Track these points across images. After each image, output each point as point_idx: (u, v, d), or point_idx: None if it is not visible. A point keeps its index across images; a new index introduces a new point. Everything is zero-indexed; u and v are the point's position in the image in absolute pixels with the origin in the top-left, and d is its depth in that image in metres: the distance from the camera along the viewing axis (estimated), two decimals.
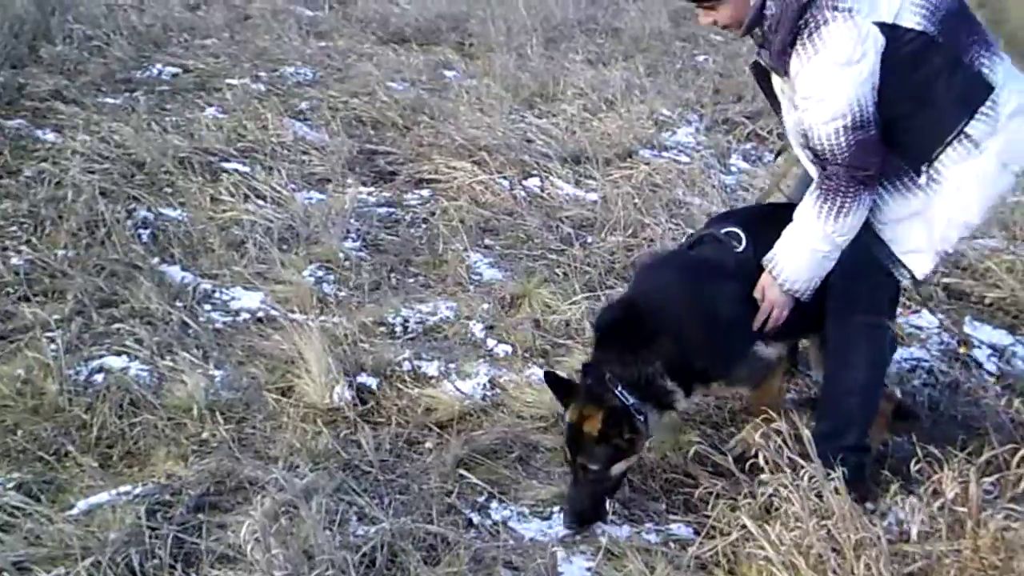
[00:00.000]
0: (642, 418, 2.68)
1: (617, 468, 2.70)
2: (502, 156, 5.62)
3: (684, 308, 2.75)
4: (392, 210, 5.18)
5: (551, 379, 2.83)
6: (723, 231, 2.83)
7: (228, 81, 7.14)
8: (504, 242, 4.80)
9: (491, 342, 3.76)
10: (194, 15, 9.27)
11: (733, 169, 6.12)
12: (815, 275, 2.65)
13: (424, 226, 4.98)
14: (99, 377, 3.38)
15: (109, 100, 6.54)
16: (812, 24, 2.40)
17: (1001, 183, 2.55)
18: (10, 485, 2.80)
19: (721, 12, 2.56)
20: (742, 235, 2.79)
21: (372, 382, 3.41)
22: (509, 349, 3.71)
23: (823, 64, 2.41)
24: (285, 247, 4.50)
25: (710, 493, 2.71)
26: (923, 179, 2.53)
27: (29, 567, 2.43)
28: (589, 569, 2.62)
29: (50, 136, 5.71)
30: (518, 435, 3.18)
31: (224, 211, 4.87)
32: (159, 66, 7.39)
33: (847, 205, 2.52)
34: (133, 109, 6.12)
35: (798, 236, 2.63)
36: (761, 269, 2.71)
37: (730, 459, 2.79)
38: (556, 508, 2.86)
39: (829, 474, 2.45)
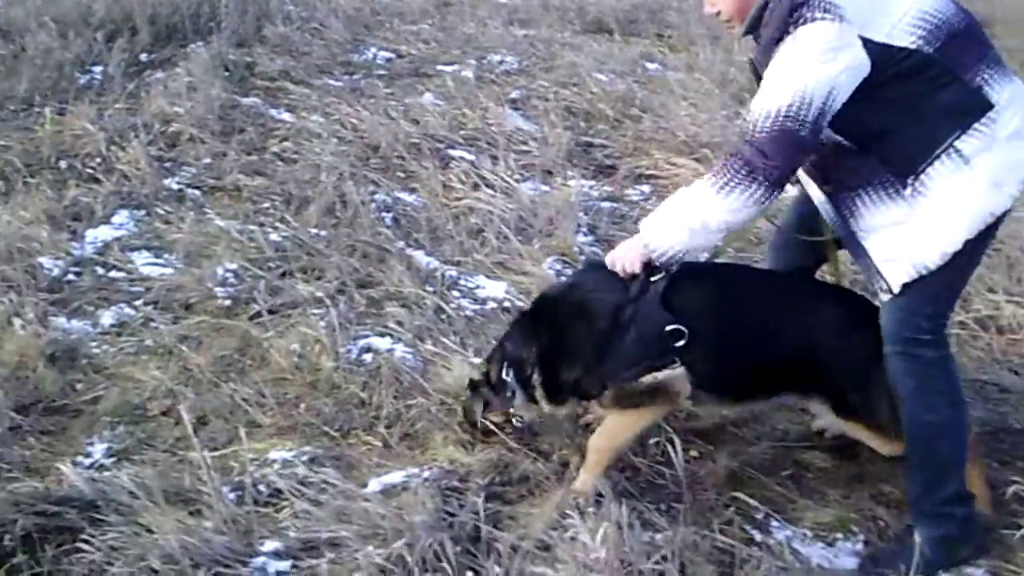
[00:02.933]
0: (509, 394, 2.86)
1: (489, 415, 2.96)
2: (725, 154, 5.50)
3: (566, 321, 2.80)
4: (615, 205, 5.16)
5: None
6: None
7: (440, 67, 7.28)
8: (736, 244, 4.71)
9: None
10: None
11: None
12: (674, 240, 2.57)
13: None
14: (368, 357, 3.50)
15: (332, 82, 6.77)
16: (800, 21, 2.35)
17: (990, 202, 2.41)
18: (304, 458, 2.93)
19: (723, 2, 2.53)
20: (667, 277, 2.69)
21: None
22: None
23: (792, 51, 2.36)
24: (520, 238, 4.54)
25: None
26: (908, 190, 2.43)
27: (340, 544, 2.53)
28: None
29: (285, 116, 5.96)
30: (787, 451, 3.11)
31: (457, 199, 4.96)
32: (374, 50, 7.60)
33: (730, 187, 2.43)
34: (360, 92, 6.30)
35: (679, 196, 2.60)
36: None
37: None
38: (840, 534, 2.78)
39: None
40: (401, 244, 4.41)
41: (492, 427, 2.97)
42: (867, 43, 2.34)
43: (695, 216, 2.53)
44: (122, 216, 4.43)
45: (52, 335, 3.44)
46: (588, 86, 6.79)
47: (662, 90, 6.85)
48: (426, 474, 2.85)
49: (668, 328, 2.64)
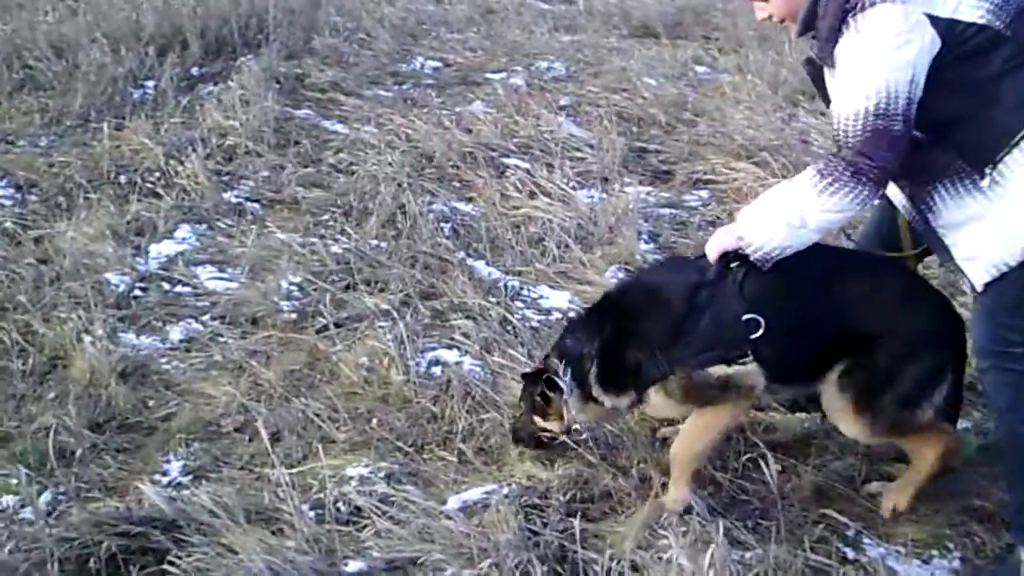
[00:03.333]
0: (563, 392, 2.79)
1: (538, 420, 2.92)
2: (783, 157, 5.42)
3: (635, 306, 2.78)
4: (675, 211, 5.09)
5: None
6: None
7: (487, 75, 7.26)
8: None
9: None
10: (439, 8, 9.51)
11: None
12: (771, 235, 2.50)
13: (712, 229, 4.85)
14: (437, 370, 3.47)
15: (382, 92, 6.78)
16: (860, 7, 2.27)
17: None
18: (381, 475, 2.89)
19: (774, 4, 2.47)
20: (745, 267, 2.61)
21: None
22: None
23: (861, 44, 2.28)
24: (581, 247, 4.49)
25: None
26: (986, 182, 2.32)
27: (425, 563, 2.49)
28: None
29: (338, 127, 5.96)
30: (872, 464, 3.02)
31: (514, 207, 4.92)
32: (421, 59, 7.60)
33: (836, 187, 2.37)
34: (413, 102, 6.29)
35: (778, 191, 2.55)
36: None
37: None
38: (935, 551, 2.69)
39: None
40: (462, 255, 4.38)
41: (569, 442, 2.91)
42: (933, 20, 2.26)
43: (795, 214, 2.46)
44: (184, 230, 4.44)
45: (122, 351, 3.44)
46: (639, 91, 6.74)
47: (714, 93, 6.78)
48: (505, 491, 2.80)
49: (745, 317, 2.57)
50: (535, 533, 2.59)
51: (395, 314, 3.66)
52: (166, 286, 3.98)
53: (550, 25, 8.69)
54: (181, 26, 7.37)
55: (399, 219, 4.62)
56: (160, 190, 4.79)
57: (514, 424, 3.04)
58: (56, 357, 3.44)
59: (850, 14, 2.30)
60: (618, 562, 2.43)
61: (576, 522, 2.59)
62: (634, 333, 2.73)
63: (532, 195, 5.03)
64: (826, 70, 2.51)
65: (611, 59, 7.67)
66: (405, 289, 3.95)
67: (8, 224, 4.32)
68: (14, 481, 2.77)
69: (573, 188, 5.14)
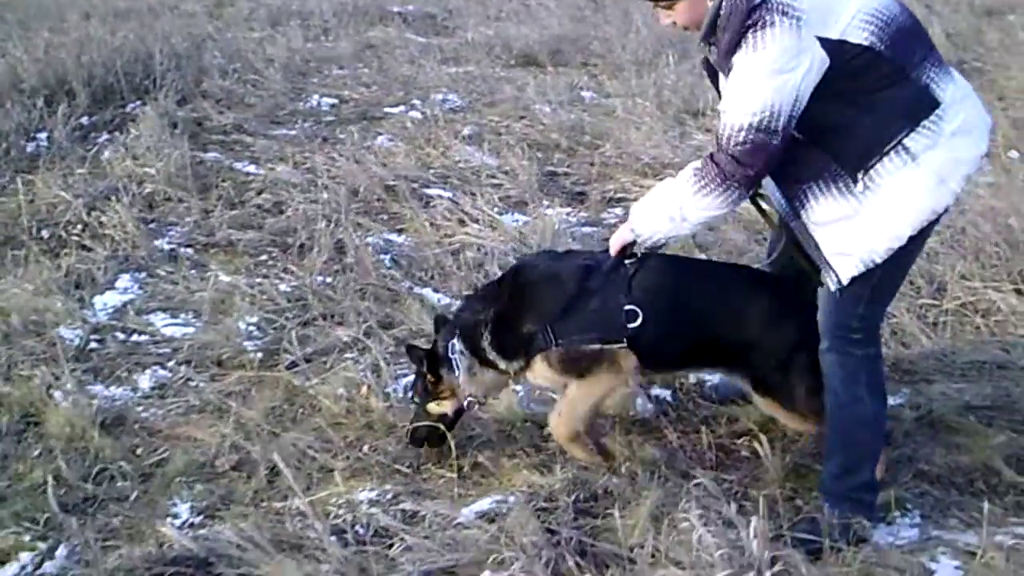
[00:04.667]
0: (453, 366, 3.07)
1: (432, 407, 3.15)
2: None
3: (533, 282, 3.06)
4: (596, 229, 5.36)
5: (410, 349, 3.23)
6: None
7: (386, 109, 7.41)
8: (717, 257, 4.97)
9: None
10: (319, 45, 9.60)
11: None
12: (656, 228, 2.77)
13: None
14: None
15: (286, 131, 6.83)
16: (759, 24, 2.41)
17: (935, 198, 2.52)
18: (388, 496, 3.00)
19: (679, 12, 2.61)
20: (637, 261, 2.96)
21: None
22: None
23: (754, 61, 2.43)
24: None
25: None
26: (859, 186, 2.53)
27: (458, 572, 2.62)
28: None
29: (251, 168, 5.99)
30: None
31: (446, 235, 5.08)
32: (316, 97, 7.68)
33: (710, 189, 2.58)
34: (322, 139, 6.37)
35: (663, 187, 2.77)
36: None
37: None
38: (897, 513, 2.96)
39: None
40: (407, 284, 4.50)
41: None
42: (824, 41, 2.41)
43: (675, 210, 2.68)
44: (125, 280, 4.40)
45: (97, 403, 3.40)
46: (538, 118, 7.03)
47: (607, 117, 7.12)
48: (512, 498, 2.95)
49: (626, 308, 2.89)
50: (553, 532, 2.75)
51: (366, 342, 3.75)
52: (121, 336, 3.94)
53: (436, 58, 8.91)
54: (65, 76, 7.21)
55: (337, 254, 4.70)
56: (88, 242, 4.71)
57: (411, 424, 3.22)
58: (27, 415, 3.38)
59: (750, 29, 2.43)
60: (639, 549, 2.62)
61: (580, 520, 2.78)
62: (530, 305, 3.02)
63: (461, 222, 5.20)
64: (721, 76, 2.70)
65: (502, 88, 7.95)
66: (364, 320, 4.04)
67: None
68: (26, 539, 2.73)
69: (498, 213, 5.35)
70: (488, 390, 3.22)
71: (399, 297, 4.32)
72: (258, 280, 4.40)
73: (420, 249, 4.90)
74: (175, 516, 2.92)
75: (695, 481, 2.80)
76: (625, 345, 2.91)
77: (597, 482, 3.04)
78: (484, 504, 2.95)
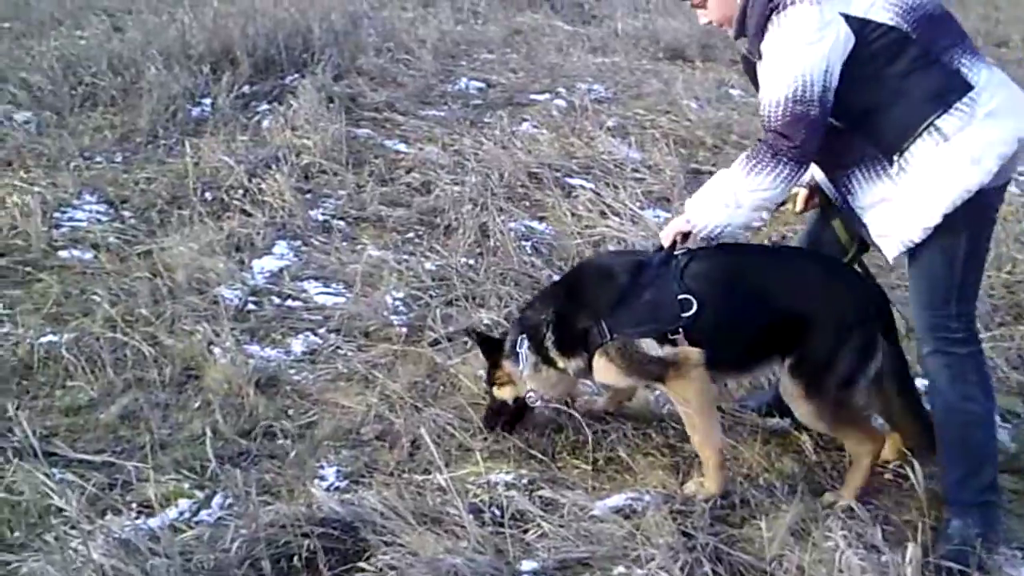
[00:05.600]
0: (519, 360, 3.11)
1: (501, 392, 3.22)
2: None
3: (588, 280, 3.13)
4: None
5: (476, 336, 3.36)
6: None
7: (532, 96, 7.45)
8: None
9: None
10: (467, 28, 9.72)
11: None
12: (712, 216, 2.81)
13: None
14: None
15: (434, 112, 6.96)
16: (780, 6, 2.55)
17: (968, 178, 2.53)
18: (523, 481, 3.05)
19: (711, 9, 2.77)
20: (689, 253, 2.95)
21: None
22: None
23: (782, 39, 2.56)
24: None
25: None
26: (894, 168, 2.60)
27: (592, 564, 2.65)
28: None
29: (401, 146, 6.13)
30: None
31: (587, 227, 5.11)
32: (464, 80, 7.78)
33: (760, 166, 2.65)
34: (470, 122, 6.47)
35: (717, 177, 2.83)
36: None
37: None
38: None
39: None
40: (548, 272, 4.54)
41: None
42: (847, 18, 2.54)
43: (730, 195, 2.75)
44: (282, 247, 4.59)
45: (252, 363, 3.57)
46: (684, 113, 6.96)
47: (755, 116, 6.96)
48: (647, 497, 2.96)
49: (680, 297, 2.87)
50: (689, 536, 2.75)
51: (506, 326, 3.80)
52: (277, 300, 4.12)
53: (584, 47, 8.91)
54: (230, 45, 7.51)
55: (481, 237, 4.78)
56: (248, 207, 4.92)
57: (487, 408, 3.31)
58: (188, 368, 3.57)
59: (774, 12, 2.58)
60: (776, 562, 2.60)
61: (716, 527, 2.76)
62: (585, 302, 3.04)
63: (603, 215, 5.22)
64: (757, 64, 2.75)
65: (649, 81, 7.90)
66: (505, 305, 4.11)
67: (112, 239, 4.45)
68: (185, 486, 2.91)
69: (640, 208, 5.33)
70: (554, 389, 3.23)
71: (539, 284, 4.36)
72: (405, 257, 4.52)
73: (561, 238, 4.94)
74: (323, 479, 3.04)
75: (842, 502, 2.74)
76: (683, 336, 2.89)
77: (735, 491, 3.01)
78: (619, 500, 2.97)
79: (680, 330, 2.89)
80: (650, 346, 2.93)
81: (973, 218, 2.63)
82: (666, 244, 2.98)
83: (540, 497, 2.91)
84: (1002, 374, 3.82)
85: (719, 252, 2.98)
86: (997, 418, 3.10)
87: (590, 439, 3.23)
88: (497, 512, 2.87)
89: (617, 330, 2.95)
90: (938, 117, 2.54)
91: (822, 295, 2.91)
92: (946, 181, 2.56)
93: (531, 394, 3.19)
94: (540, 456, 3.22)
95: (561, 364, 3.09)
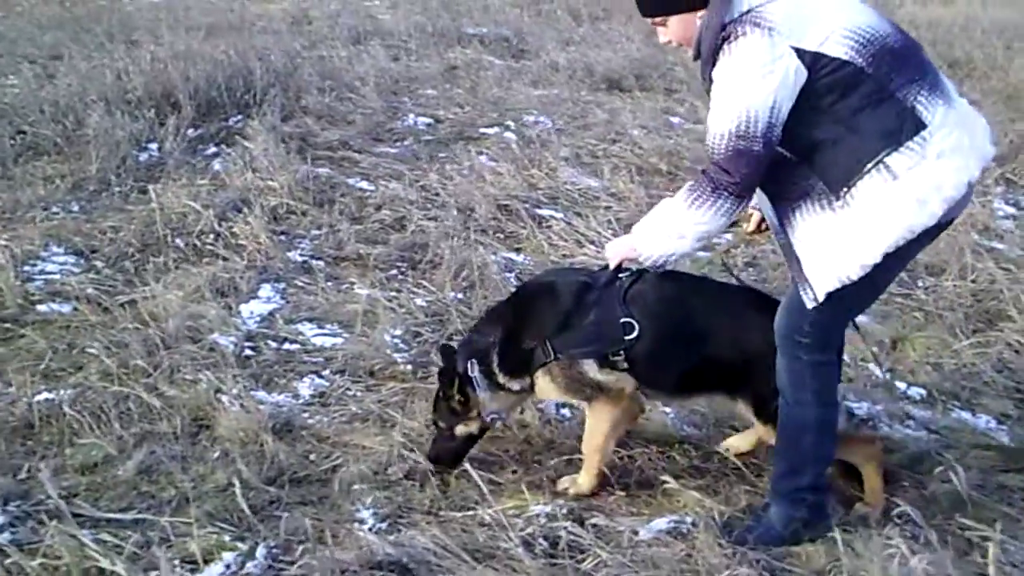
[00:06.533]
0: (474, 384, 3.11)
1: (460, 429, 3.19)
2: None
3: (533, 300, 3.17)
4: (709, 253, 5.40)
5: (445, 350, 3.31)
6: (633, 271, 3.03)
7: (482, 130, 7.51)
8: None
9: (900, 384, 3.94)
10: (403, 64, 9.74)
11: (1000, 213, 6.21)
12: (659, 247, 2.79)
13: (754, 269, 5.20)
14: (566, 411, 3.65)
15: (388, 149, 6.95)
16: (732, 36, 2.49)
17: (913, 218, 2.53)
18: (563, 511, 3.03)
19: (671, 30, 2.70)
20: (633, 275, 3.02)
21: None
22: (923, 392, 3.88)
23: (730, 69, 2.50)
24: None
25: None
26: (839, 203, 2.58)
27: None
28: None
29: (363, 184, 6.10)
30: None
31: (564, 256, 5.16)
32: (412, 116, 7.81)
33: (702, 200, 2.61)
34: (422, 158, 6.48)
35: (662, 207, 2.80)
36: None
37: None
38: None
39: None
40: None
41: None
42: (800, 53, 2.48)
43: (674, 227, 2.73)
44: (266, 290, 4.51)
45: (265, 409, 3.48)
46: (635, 141, 7.10)
47: (701, 143, 7.16)
48: (690, 519, 2.98)
49: (622, 320, 2.94)
50: (741, 553, 2.78)
51: None
52: (274, 344, 4.03)
53: (524, 80, 9.02)
54: (171, 89, 7.37)
55: (467, 271, 4.78)
56: (223, 252, 4.82)
57: (432, 445, 3.26)
58: (197, 418, 3.47)
59: (726, 41, 2.51)
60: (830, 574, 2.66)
61: None
62: (531, 322, 3.09)
63: (579, 244, 5.28)
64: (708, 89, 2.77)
65: (593, 111, 8.04)
66: None
67: (90, 290, 4.30)
68: (226, 538, 2.81)
69: (613, 235, 5.39)
70: (509, 408, 3.29)
71: None
72: (393, 294, 4.49)
73: (541, 268, 4.96)
74: (361, 521, 2.97)
75: (897, 509, 2.82)
76: (624, 359, 2.97)
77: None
78: (662, 523, 2.98)
79: (622, 352, 2.96)
80: (590, 368, 3.01)
81: (899, 256, 2.62)
82: (612, 264, 3.00)
83: (593, 525, 2.90)
84: (988, 378, 3.99)
85: (664, 277, 3.02)
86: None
87: (616, 466, 3.25)
88: (544, 542, 2.86)
89: (562, 350, 3.01)
90: (888, 155, 2.51)
91: (769, 338, 2.88)
92: (890, 220, 2.53)
93: (492, 415, 3.21)
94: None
95: (511, 385, 3.14)
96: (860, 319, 4.39)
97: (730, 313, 3.08)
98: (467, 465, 3.10)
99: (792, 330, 2.78)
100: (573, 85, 9.09)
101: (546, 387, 3.11)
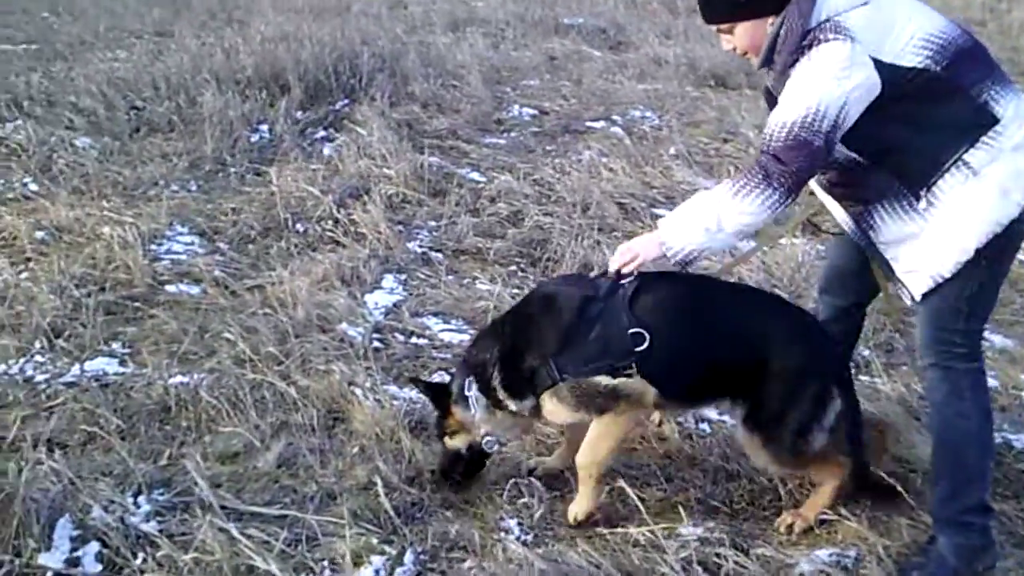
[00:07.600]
0: (469, 404, 2.89)
1: (454, 442, 2.98)
2: None
3: (535, 315, 2.90)
4: None
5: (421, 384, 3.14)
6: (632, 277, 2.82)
7: (588, 124, 7.38)
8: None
9: None
10: (502, 53, 9.66)
11: None
12: (690, 239, 2.65)
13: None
14: (705, 426, 3.50)
15: (496, 140, 6.86)
16: (814, 43, 2.46)
17: (999, 210, 2.50)
18: (715, 535, 2.89)
19: (738, 36, 2.61)
20: (635, 281, 2.80)
21: None
22: None
23: (807, 70, 2.46)
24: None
25: None
26: (922, 204, 2.55)
27: None
28: None
29: (474, 175, 6.00)
30: None
31: None
32: (517, 107, 7.71)
33: (749, 189, 2.53)
34: (543, 150, 6.37)
35: (697, 198, 2.70)
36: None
37: None
38: None
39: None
40: None
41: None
42: (877, 64, 2.45)
43: (711, 217, 2.60)
44: (389, 280, 4.44)
45: (398, 405, 3.41)
46: (749, 141, 6.90)
47: None
48: (852, 552, 2.83)
49: (631, 331, 2.72)
50: None
51: None
52: (401, 337, 3.96)
53: (627, 73, 8.86)
54: (280, 71, 7.38)
55: (583, 270, 4.66)
56: (342, 239, 4.77)
57: (439, 462, 3.07)
58: (331, 410, 3.41)
59: (806, 49, 2.47)
60: None
61: None
62: (530, 341, 2.86)
63: None
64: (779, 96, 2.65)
65: (702, 108, 7.85)
66: None
67: (217, 273, 4.28)
68: (373, 541, 2.74)
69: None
70: (510, 431, 3.06)
71: None
72: (515, 291, 4.38)
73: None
74: (506, 531, 2.88)
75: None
76: (636, 372, 2.74)
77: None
78: (823, 554, 2.83)
79: (634, 364, 2.74)
80: (603, 377, 2.78)
81: (999, 249, 2.57)
82: (614, 266, 2.83)
83: (756, 556, 2.76)
84: None
85: (670, 280, 2.87)
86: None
87: (759, 488, 3.10)
88: (699, 568, 2.73)
89: (568, 370, 2.78)
90: (966, 152, 2.50)
91: (777, 343, 2.80)
92: (977, 215, 2.52)
93: (488, 439, 3.00)
94: (721, 507, 3.07)
95: (512, 407, 2.91)
96: (1007, 343, 4.25)
97: (743, 307, 2.95)
98: (621, 481, 2.95)
99: (938, 341, 2.69)
100: (678, 80, 8.90)
101: (555, 409, 2.86)
